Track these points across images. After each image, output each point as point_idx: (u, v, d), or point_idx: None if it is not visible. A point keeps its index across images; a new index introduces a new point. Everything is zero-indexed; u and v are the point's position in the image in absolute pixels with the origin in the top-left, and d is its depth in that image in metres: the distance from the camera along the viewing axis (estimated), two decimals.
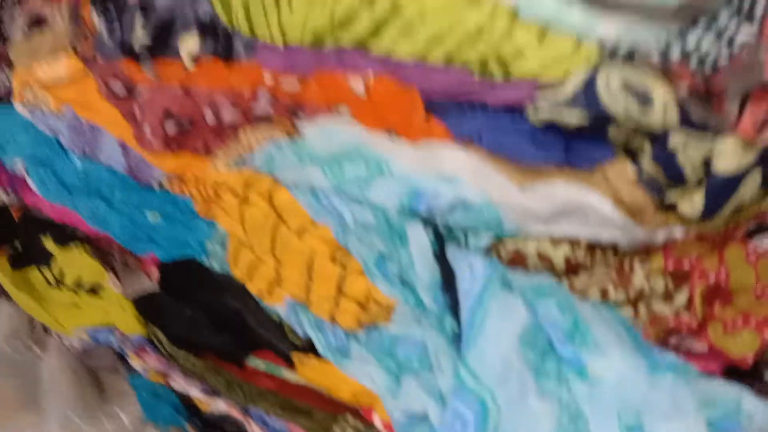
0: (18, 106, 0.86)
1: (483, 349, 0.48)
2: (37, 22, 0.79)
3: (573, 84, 0.45)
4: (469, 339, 0.49)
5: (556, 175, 0.50)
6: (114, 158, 0.77)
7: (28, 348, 1.02)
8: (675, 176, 0.48)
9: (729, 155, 0.45)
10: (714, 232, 0.52)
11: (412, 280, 0.53)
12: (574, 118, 0.46)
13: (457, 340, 0.51)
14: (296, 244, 0.62)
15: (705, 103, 0.44)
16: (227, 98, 0.63)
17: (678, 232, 0.53)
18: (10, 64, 0.85)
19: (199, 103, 0.65)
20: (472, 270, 0.50)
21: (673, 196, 0.49)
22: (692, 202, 0.49)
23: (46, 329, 1.00)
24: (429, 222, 0.55)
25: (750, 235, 0.54)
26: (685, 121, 0.44)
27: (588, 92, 0.45)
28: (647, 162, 0.48)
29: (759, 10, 0.41)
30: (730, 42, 0.41)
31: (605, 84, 0.44)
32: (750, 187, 0.48)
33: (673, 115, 0.44)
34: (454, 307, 0.51)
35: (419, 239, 0.52)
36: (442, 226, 0.56)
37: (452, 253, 0.53)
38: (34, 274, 0.92)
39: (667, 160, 0.47)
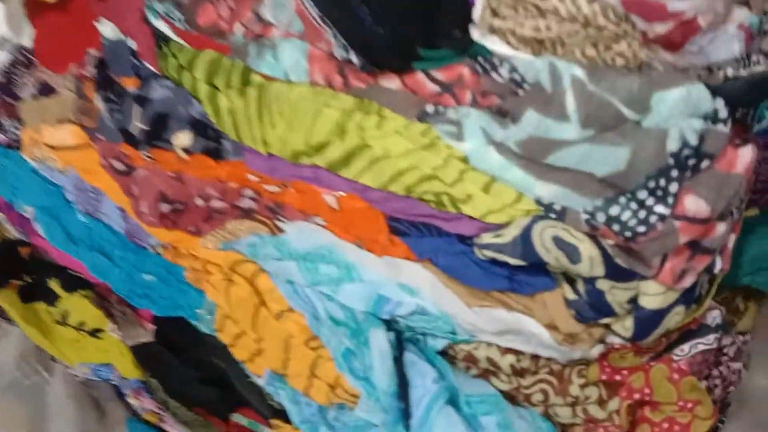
0: (27, 157, 0.93)
1: None
2: (46, 89, 0.85)
3: (511, 233, 0.51)
4: None
5: (500, 301, 0.56)
6: (114, 220, 0.84)
7: (37, 372, 1.10)
8: (605, 309, 0.54)
9: (652, 297, 0.52)
10: (644, 345, 0.59)
11: (374, 380, 0.60)
12: (513, 261, 0.52)
13: None
14: (275, 324, 0.69)
15: (629, 256, 0.50)
16: (216, 190, 0.70)
17: (615, 340, 0.59)
18: (20, 120, 0.92)
19: (191, 191, 0.71)
20: (423, 379, 0.57)
21: (606, 320, 0.56)
22: (624, 326, 0.56)
23: (52, 357, 1.08)
24: (392, 324, 0.62)
25: (673, 345, 0.60)
26: (611, 273, 0.51)
27: (524, 242, 0.51)
28: (582, 293, 0.54)
29: (671, 194, 0.47)
30: (647, 216, 0.47)
31: (539, 237, 0.50)
32: (674, 319, 0.54)
33: (599, 269, 0.50)
34: (406, 414, 0.58)
35: (381, 345, 0.59)
36: (404, 326, 0.62)
37: (409, 359, 0.60)
38: (41, 308, 1.00)
39: (597, 297, 0.53)
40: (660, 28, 0.46)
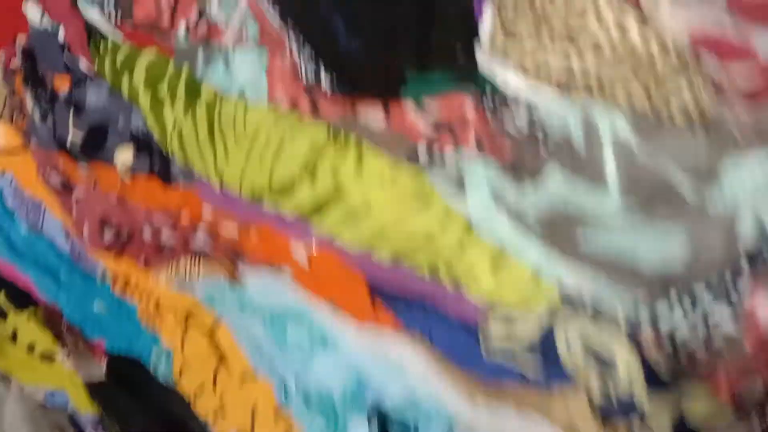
0: None
1: None
2: None
3: (527, 334, 0.41)
4: None
5: (510, 398, 0.46)
6: (58, 238, 0.74)
7: None
8: (639, 413, 0.44)
9: (700, 405, 0.41)
10: None
11: None
12: (529, 368, 0.42)
13: None
14: (238, 389, 0.59)
15: (678, 366, 0.40)
16: (165, 220, 0.60)
17: None
18: None
19: (138, 219, 0.61)
20: None
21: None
22: None
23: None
24: (375, 411, 0.52)
25: None
26: (653, 384, 0.40)
27: (545, 348, 0.40)
28: (612, 394, 0.44)
29: (739, 292, 0.36)
30: (705, 321, 0.36)
31: (564, 342, 0.40)
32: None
33: (638, 382, 0.40)
34: None
35: None
36: (393, 414, 0.53)
37: None
38: None
39: (630, 403, 0.43)
40: (738, 71, 0.34)
